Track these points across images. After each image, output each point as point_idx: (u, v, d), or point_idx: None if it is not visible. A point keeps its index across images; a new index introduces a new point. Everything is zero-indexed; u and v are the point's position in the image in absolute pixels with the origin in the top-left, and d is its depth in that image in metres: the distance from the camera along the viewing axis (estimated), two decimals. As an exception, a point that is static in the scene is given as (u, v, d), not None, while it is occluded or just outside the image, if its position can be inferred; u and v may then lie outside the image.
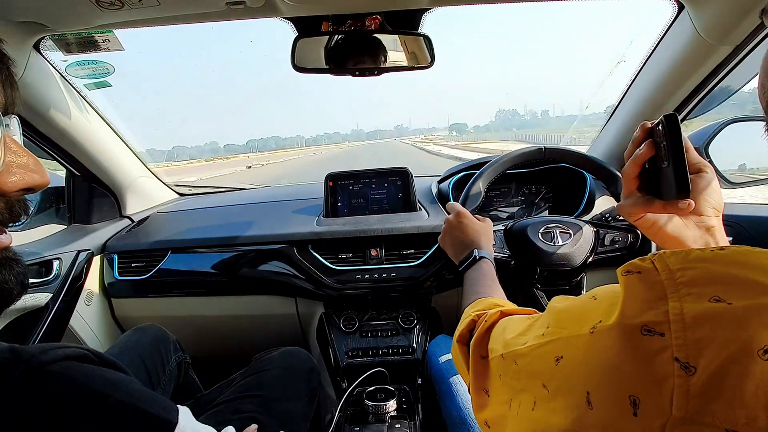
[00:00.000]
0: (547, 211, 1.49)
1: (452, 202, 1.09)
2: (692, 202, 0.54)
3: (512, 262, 1.12)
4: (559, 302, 0.44)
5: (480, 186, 1.13)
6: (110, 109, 1.34)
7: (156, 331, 1.11)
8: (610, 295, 0.36)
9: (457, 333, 0.66)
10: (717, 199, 0.58)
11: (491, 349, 0.53)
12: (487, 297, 0.76)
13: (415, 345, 1.31)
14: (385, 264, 1.29)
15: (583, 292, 1.10)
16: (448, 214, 1.05)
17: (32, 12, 0.86)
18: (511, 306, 0.67)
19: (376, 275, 1.28)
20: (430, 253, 1.29)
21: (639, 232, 1.11)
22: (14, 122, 0.44)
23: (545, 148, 1.13)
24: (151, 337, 1.09)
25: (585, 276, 1.13)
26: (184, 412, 0.52)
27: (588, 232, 1.08)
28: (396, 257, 1.30)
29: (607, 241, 1.10)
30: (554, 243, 1.07)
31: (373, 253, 1.30)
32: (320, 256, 1.30)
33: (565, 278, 1.11)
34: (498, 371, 0.50)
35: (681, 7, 0.96)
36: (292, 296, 1.36)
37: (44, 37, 0.98)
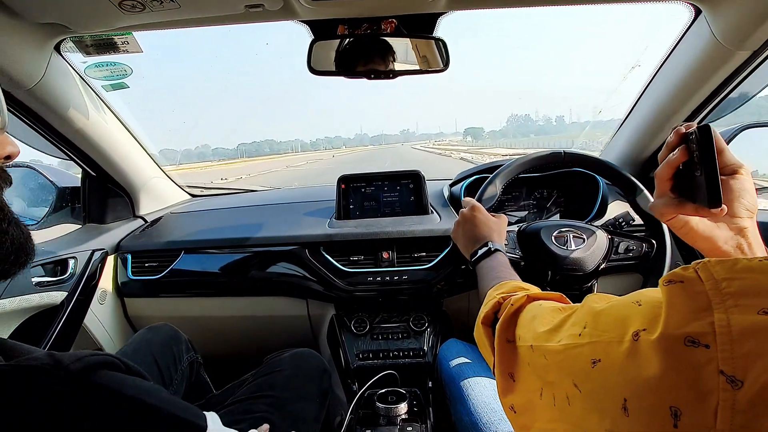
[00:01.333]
0: (558, 216, 1.49)
1: (468, 198, 1.09)
2: (725, 207, 0.54)
3: (522, 264, 1.12)
4: (597, 302, 0.43)
5: (496, 186, 1.13)
6: (126, 110, 1.36)
7: (168, 330, 1.12)
8: (654, 303, 0.35)
9: (481, 314, 0.66)
10: (751, 201, 0.57)
11: (519, 336, 0.53)
12: (509, 280, 0.76)
13: (426, 348, 1.31)
14: (397, 266, 1.29)
15: None
16: (464, 208, 1.05)
17: (54, 13, 0.87)
18: (536, 290, 0.68)
19: (387, 278, 1.28)
20: (441, 256, 1.29)
21: (654, 241, 1.10)
22: None
23: (565, 153, 1.13)
24: (163, 337, 1.10)
25: (596, 282, 1.12)
26: (212, 418, 0.53)
27: (602, 238, 1.08)
28: (407, 260, 1.30)
29: (621, 249, 1.09)
30: (567, 247, 1.06)
31: (385, 255, 1.30)
32: (332, 258, 1.30)
33: (576, 283, 1.10)
34: (527, 360, 0.50)
35: (698, 12, 0.96)
36: (303, 298, 1.36)
37: (65, 38, 1.00)
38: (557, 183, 1.48)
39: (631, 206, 1.14)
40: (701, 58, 1.00)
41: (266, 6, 0.90)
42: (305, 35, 1.05)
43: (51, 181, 1.37)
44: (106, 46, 1.04)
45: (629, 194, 1.10)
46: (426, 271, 1.28)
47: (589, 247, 1.06)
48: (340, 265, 1.30)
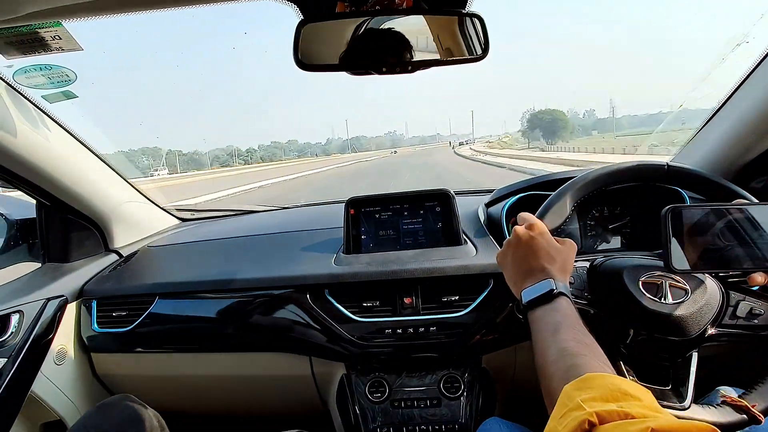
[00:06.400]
0: (618, 240, 1.17)
1: (526, 213, 0.82)
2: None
3: (592, 312, 0.81)
4: None
5: (567, 202, 0.86)
6: (89, 125, 1.12)
7: (126, 409, 0.86)
8: None
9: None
10: None
11: None
12: (595, 369, 0.52)
13: (462, 420, 1.01)
14: (422, 315, 1.01)
15: (691, 378, 0.77)
16: (518, 225, 0.79)
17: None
18: (665, 418, 0.42)
19: (410, 329, 1.00)
20: (479, 300, 1.00)
21: None
22: None
23: (669, 167, 0.84)
24: (116, 421, 0.84)
25: (695, 354, 0.80)
26: None
27: (713, 290, 0.76)
28: (435, 306, 1.02)
29: (741, 312, 0.76)
30: (662, 299, 0.75)
31: (407, 300, 1.02)
32: (339, 304, 1.03)
33: (669, 352, 0.78)
34: None
35: None
36: (305, 354, 1.08)
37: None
38: (624, 198, 1.16)
39: None
40: None
41: (230, -27, 0.63)
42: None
43: (1, 214, 1.14)
44: (31, 42, 0.79)
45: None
46: (459, 319, 1.00)
47: (695, 303, 0.74)
48: (350, 313, 1.02)
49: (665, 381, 0.78)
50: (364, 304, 1.03)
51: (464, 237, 1.10)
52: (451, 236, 1.10)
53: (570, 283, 0.80)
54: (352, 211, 1.12)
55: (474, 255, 1.05)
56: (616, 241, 1.17)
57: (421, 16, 0.78)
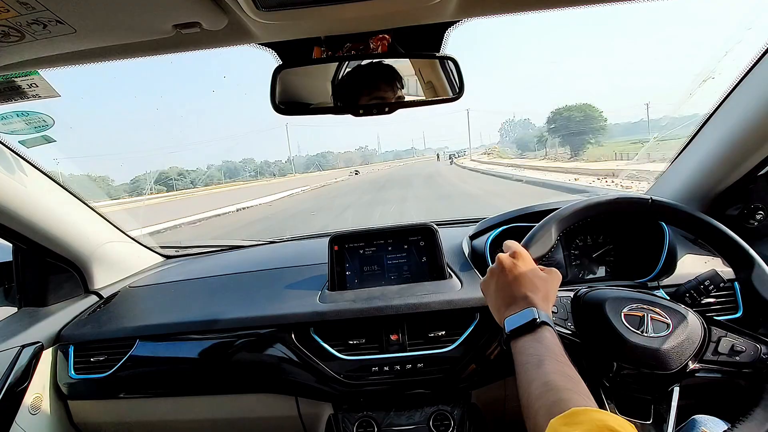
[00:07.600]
0: (603, 269, 1.17)
1: (511, 240, 0.82)
2: None
3: (578, 342, 0.81)
4: None
5: (551, 233, 0.86)
6: (69, 165, 1.10)
7: None
8: None
9: None
10: None
11: None
12: (580, 404, 0.51)
13: None
14: (409, 351, 1.00)
15: (672, 414, 0.76)
16: (503, 252, 0.79)
17: None
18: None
19: (397, 366, 0.99)
20: (466, 334, 1.00)
21: None
22: None
23: (653, 201, 0.85)
24: None
25: (677, 387, 0.79)
26: None
27: (695, 325, 0.76)
28: (422, 342, 1.01)
29: (723, 348, 0.76)
30: (643, 332, 0.76)
31: (393, 337, 1.01)
32: (324, 342, 1.01)
33: (652, 386, 0.78)
34: None
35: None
36: (291, 395, 1.06)
37: (-52, 85, 0.75)
38: (607, 227, 1.18)
39: (740, 284, 0.82)
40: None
41: (205, 25, 0.63)
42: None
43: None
44: (8, 91, 0.79)
45: (740, 269, 0.80)
46: (447, 354, 0.99)
47: (677, 338, 0.74)
48: (336, 351, 1.01)
49: (646, 415, 0.77)
50: (350, 342, 1.02)
51: (449, 271, 1.10)
52: (435, 270, 1.09)
53: (553, 312, 0.80)
54: (336, 248, 1.12)
55: (459, 289, 1.04)
56: (601, 270, 1.18)
57: (396, 60, 0.80)
